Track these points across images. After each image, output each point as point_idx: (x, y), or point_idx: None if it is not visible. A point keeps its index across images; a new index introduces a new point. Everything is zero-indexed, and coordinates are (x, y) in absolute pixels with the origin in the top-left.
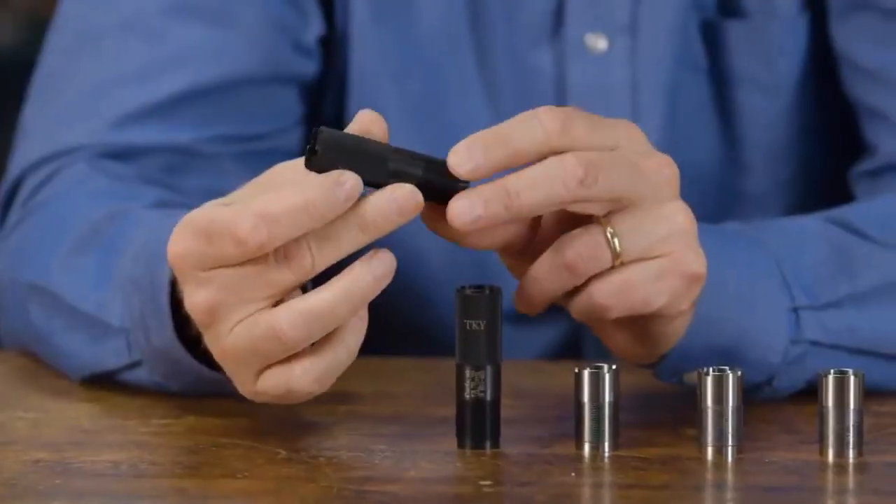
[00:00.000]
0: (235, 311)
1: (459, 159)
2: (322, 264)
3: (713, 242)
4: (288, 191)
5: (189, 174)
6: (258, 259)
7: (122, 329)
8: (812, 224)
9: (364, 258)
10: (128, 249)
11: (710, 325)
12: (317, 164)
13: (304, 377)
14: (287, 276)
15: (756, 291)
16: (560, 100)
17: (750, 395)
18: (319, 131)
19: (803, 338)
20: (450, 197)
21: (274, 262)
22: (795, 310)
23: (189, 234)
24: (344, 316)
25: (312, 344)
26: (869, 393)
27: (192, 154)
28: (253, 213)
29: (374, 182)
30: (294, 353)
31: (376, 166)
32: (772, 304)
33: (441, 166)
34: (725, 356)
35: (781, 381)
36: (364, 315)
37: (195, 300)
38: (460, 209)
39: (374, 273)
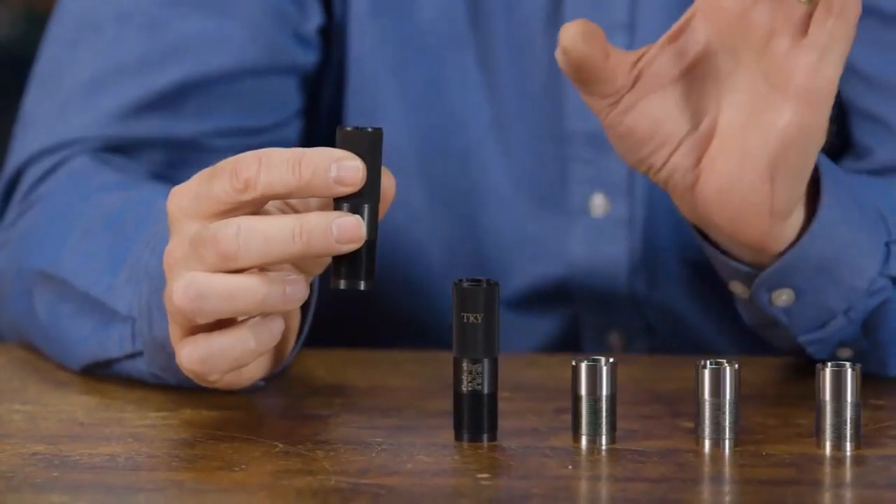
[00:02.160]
0: (177, 271)
1: None
2: (246, 256)
3: (828, 166)
4: (295, 149)
5: (190, 169)
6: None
7: (128, 317)
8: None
9: (281, 274)
10: (148, 240)
11: (827, 229)
12: (347, 136)
13: (191, 353)
14: (211, 253)
15: (862, 215)
16: (561, 94)
17: (810, 334)
18: (380, 129)
19: (888, 272)
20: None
21: (207, 235)
22: (888, 244)
23: (196, 178)
24: (239, 306)
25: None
26: (866, 386)
27: (193, 148)
28: (256, 153)
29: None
30: (210, 329)
31: (361, 193)
32: (872, 230)
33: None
34: (825, 269)
35: (857, 312)
36: (277, 326)
37: (167, 248)
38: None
39: (285, 286)
